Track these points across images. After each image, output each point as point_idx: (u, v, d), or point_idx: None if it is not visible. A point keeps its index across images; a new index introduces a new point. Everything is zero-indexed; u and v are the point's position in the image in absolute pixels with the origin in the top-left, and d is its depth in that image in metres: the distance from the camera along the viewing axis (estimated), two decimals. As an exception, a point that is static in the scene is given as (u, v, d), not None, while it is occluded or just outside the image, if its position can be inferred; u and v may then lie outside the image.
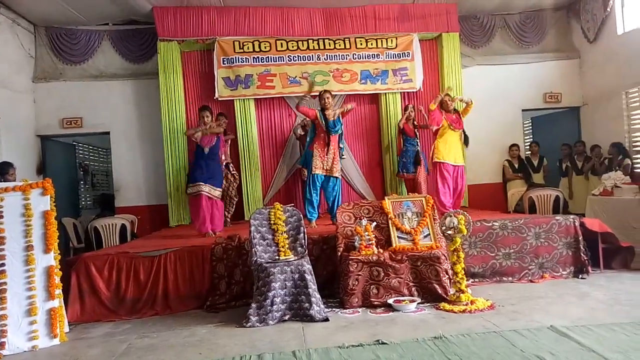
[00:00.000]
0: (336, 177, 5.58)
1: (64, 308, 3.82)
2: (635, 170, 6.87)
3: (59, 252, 3.79)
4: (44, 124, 7.41)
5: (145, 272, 4.33)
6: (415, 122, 6.88)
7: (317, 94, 5.77)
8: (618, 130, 7.31)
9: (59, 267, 3.76)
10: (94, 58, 7.52)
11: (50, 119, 7.40)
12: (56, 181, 4.07)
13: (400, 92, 7.55)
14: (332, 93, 5.78)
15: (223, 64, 7.16)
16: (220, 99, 7.13)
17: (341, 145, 5.77)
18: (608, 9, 7.34)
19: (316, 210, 5.59)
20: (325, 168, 5.51)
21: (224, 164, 6.28)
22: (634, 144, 7.21)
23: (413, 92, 7.57)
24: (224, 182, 6.45)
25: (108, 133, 7.60)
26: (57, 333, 3.58)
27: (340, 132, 5.64)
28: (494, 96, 7.96)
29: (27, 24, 7.22)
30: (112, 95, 7.51)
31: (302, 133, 6.75)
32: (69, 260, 4.44)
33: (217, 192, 5.43)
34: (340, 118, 5.60)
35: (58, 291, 3.69)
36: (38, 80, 7.38)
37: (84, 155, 9.85)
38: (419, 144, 6.90)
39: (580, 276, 4.60)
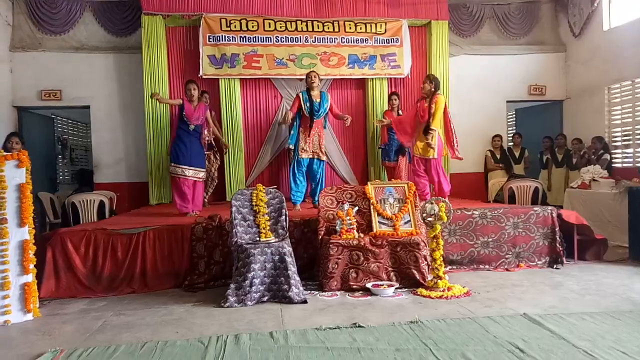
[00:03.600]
0: (321, 160, 5.60)
1: (35, 283, 3.75)
2: (613, 164, 7.01)
3: (33, 226, 3.71)
4: (21, 95, 7.19)
5: (123, 250, 4.28)
6: (400, 112, 6.76)
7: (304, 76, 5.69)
8: (599, 125, 7.45)
9: (34, 241, 3.68)
10: (75, 29, 7.29)
11: (28, 90, 7.19)
12: (33, 154, 3.95)
13: (388, 78, 7.52)
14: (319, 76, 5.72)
15: (209, 41, 7.01)
16: (205, 77, 6.97)
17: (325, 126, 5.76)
18: (595, 4, 7.40)
19: (302, 193, 5.59)
20: (310, 151, 5.53)
21: (207, 143, 6.19)
22: (613, 139, 7.35)
23: (400, 78, 7.54)
24: (207, 162, 6.39)
25: (88, 107, 7.43)
26: (30, 308, 3.53)
27: (324, 115, 5.60)
28: (480, 86, 8.02)
29: (5, -10, 6.97)
30: (93, 68, 7.32)
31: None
32: (45, 235, 4.36)
33: (201, 174, 5.42)
34: (328, 101, 5.55)
35: (32, 266, 3.62)
36: (15, 50, 7.14)
37: (63, 129, 9.62)
38: None
39: (554, 266, 4.71)
